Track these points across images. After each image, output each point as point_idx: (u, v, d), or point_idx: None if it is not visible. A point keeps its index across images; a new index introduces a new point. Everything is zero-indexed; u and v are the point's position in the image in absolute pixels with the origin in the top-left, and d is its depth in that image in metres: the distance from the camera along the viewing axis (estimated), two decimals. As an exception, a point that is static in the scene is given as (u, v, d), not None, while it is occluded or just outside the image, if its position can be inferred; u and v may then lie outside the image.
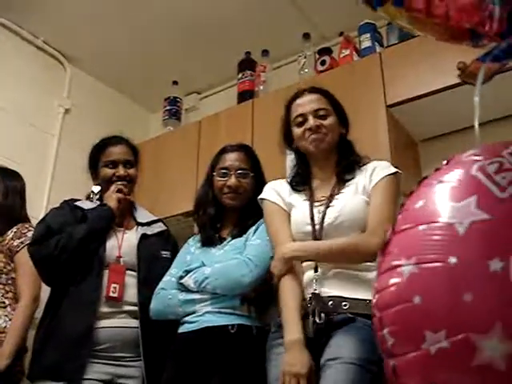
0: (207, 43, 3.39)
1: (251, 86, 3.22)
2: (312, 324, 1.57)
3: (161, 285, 1.97)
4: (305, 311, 1.61)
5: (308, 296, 1.65)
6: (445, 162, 1.10)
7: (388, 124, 2.53)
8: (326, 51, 3.00)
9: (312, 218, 1.72)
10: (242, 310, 1.84)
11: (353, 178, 1.77)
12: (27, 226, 2.45)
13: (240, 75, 3.28)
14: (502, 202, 0.95)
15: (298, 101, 1.85)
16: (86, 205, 2.17)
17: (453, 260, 0.91)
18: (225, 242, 1.99)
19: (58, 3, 3.14)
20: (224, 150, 2.10)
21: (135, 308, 2.01)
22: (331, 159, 1.84)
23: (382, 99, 2.58)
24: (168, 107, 3.56)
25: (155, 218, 2.30)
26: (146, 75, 3.67)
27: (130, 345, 1.97)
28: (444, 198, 0.99)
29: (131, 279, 2.05)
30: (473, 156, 1.04)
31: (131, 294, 2.03)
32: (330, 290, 1.63)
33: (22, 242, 2.37)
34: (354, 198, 1.71)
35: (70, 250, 1.98)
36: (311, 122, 1.79)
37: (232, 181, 2.02)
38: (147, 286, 2.01)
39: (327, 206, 1.72)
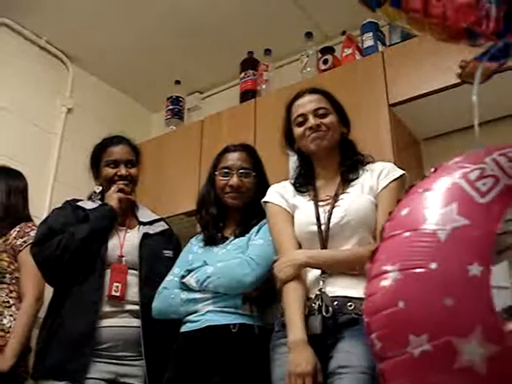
0: (209, 42, 3.39)
1: (253, 85, 3.22)
2: (320, 320, 1.57)
3: (163, 284, 1.97)
4: (309, 310, 1.61)
5: (313, 295, 1.65)
6: (432, 169, 1.12)
7: (390, 123, 2.53)
8: (329, 50, 3.00)
9: (318, 218, 1.72)
10: (243, 309, 1.84)
11: (357, 178, 1.78)
12: (30, 225, 2.46)
13: (242, 74, 3.28)
14: (482, 207, 0.97)
15: (298, 101, 1.86)
16: (88, 205, 2.18)
17: (434, 266, 0.93)
18: (227, 242, 1.99)
19: (61, 3, 3.14)
20: (226, 150, 2.11)
21: (137, 307, 2.01)
22: (334, 158, 1.84)
23: (385, 98, 2.58)
24: (170, 107, 3.57)
25: (157, 217, 2.30)
26: (148, 75, 3.67)
27: (132, 344, 1.97)
28: (427, 206, 1.02)
29: (133, 278, 2.05)
30: (457, 163, 1.07)
31: (133, 293, 2.03)
32: (335, 289, 1.63)
33: (25, 242, 2.37)
34: (361, 198, 1.72)
35: (71, 251, 1.99)
36: (311, 121, 1.80)
37: (234, 180, 2.02)
38: (149, 284, 2.02)
39: (333, 206, 1.72)
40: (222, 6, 3.14)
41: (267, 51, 3.25)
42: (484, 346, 0.86)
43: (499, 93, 2.07)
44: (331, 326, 1.57)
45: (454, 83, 2.28)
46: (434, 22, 1.04)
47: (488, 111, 2.51)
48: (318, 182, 1.83)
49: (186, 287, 1.90)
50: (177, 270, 1.99)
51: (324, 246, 1.69)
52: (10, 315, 2.29)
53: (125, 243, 2.11)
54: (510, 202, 0.98)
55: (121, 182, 2.19)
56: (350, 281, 1.62)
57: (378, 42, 2.82)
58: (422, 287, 0.94)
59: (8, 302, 2.32)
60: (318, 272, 1.67)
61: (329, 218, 1.70)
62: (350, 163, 1.82)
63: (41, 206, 3.06)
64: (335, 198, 1.75)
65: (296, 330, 1.57)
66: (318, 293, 1.64)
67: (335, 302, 1.60)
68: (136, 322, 1.99)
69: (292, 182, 1.88)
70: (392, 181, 1.71)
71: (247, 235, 1.96)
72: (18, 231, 2.41)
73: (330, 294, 1.62)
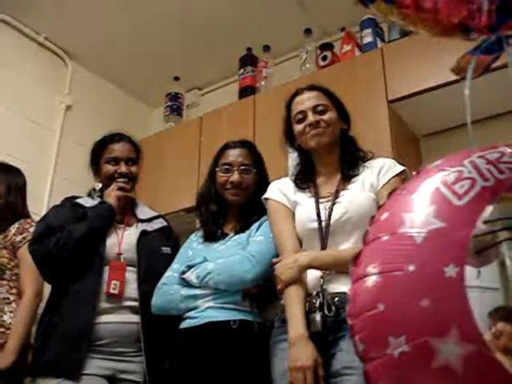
0: (208, 39, 3.39)
1: (252, 81, 3.22)
2: (321, 318, 1.58)
3: (163, 280, 1.97)
4: (309, 307, 1.62)
5: (314, 293, 1.65)
6: (414, 172, 1.15)
7: (389, 119, 2.53)
8: (328, 47, 3.00)
9: (318, 215, 1.72)
10: (243, 305, 1.84)
11: (358, 174, 1.78)
12: (29, 221, 2.46)
13: (241, 71, 3.28)
14: (458, 209, 0.99)
15: (297, 98, 1.87)
16: (87, 202, 2.17)
17: (411, 268, 0.95)
18: (227, 238, 1.99)
19: (60, 0, 3.13)
20: (227, 146, 2.10)
21: (136, 303, 2.01)
22: (334, 155, 1.84)
23: (384, 94, 2.58)
24: (169, 103, 3.57)
25: (156, 214, 2.30)
26: (147, 71, 3.67)
27: (131, 340, 1.97)
28: (406, 209, 1.04)
29: (132, 275, 2.05)
30: (437, 166, 1.10)
31: (132, 289, 2.03)
32: (337, 286, 1.63)
33: (24, 238, 2.37)
34: (361, 195, 1.72)
35: (69, 248, 1.98)
36: (311, 117, 1.80)
37: (235, 177, 2.02)
38: (147, 281, 2.02)
39: (333, 203, 1.73)
40: (220, 3, 3.14)
41: (266, 47, 3.25)
42: (460, 346, 0.88)
43: (500, 89, 2.07)
44: (332, 323, 1.58)
45: (454, 80, 2.27)
46: (425, 17, 1.04)
47: (488, 108, 2.51)
48: (319, 179, 1.84)
49: (186, 283, 1.90)
50: (176, 265, 1.99)
51: (324, 243, 1.69)
52: (11, 312, 2.29)
53: (123, 241, 2.10)
54: (487, 204, 0.99)
55: (121, 180, 2.18)
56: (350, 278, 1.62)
57: (377, 39, 2.82)
58: (401, 289, 0.96)
59: (8, 298, 2.32)
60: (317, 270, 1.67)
61: (329, 215, 1.71)
62: (350, 160, 1.82)
63: (39, 202, 3.06)
64: (336, 194, 1.75)
65: (297, 325, 1.58)
66: (319, 290, 1.64)
67: (336, 298, 1.61)
68: (135, 318, 1.99)
69: (292, 178, 1.88)
70: (392, 177, 1.72)
71: (247, 231, 1.96)
72: (18, 228, 2.41)
73: (331, 291, 1.62)
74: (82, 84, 3.59)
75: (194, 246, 2.04)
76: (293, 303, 1.63)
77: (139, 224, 2.20)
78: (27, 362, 2.21)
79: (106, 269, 2.02)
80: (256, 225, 1.96)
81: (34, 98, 3.31)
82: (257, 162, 2.08)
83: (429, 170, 1.12)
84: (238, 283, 1.83)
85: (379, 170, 1.75)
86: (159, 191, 3.13)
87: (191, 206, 2.41)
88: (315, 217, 1.72)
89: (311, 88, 1.88)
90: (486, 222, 0.99)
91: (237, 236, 1.97)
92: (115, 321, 1.98)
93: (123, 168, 2.20)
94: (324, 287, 1.63)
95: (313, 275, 1.69)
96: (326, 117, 1.81)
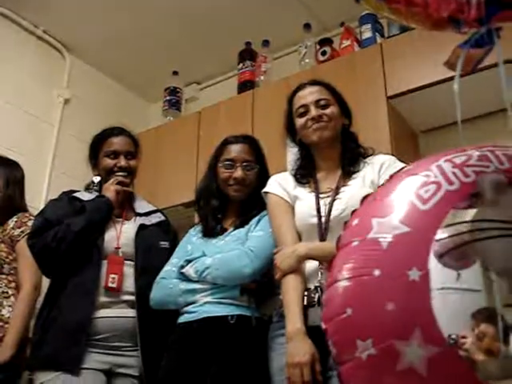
0: (207, 33, 3.38)
1: (251, 76, 3.22)
2: (320, 311, 1.58)
3: (161, 274, 1.97)
4: (308, 301, 1.62)
5: (312, 286, 1.65)
6: (388, 177, 1.17)
7: (388, 115, 2.53)
8: (327, 42, 3.00)
9: (318, 210, 1.72)
10: (241, 300, 1.84)
11: (358, 171, 1.78)
12: (27, 215, 2.46)
13: (240, 65, 3.28)
14: (422, 214, 1.00)
15: (300, 93, 1.87)
16: (85, 196, 2.17)
17: (377, 272, 0.97)
18: (226, 233, 1.99)
19: (58, -7, 3.13)
20: (228, 141, 2.09)
21: (133, 298, 2.01)
22: (335, 150, 1.84)
23: (383, 90, 2.58)
24: (168, 97, 3.56)
25: (154, 209, 2.30)
26: (146, 65, 3.66)
27: (129, 334, 1.97)
28: (374, 214, 1.06)
29: (130, 269, 2.05)
30: (408, 171, 1.12)
31: (129, 283, 2.03)
32: None
33: (22, 232, 2.37)
34: (362, 191, 1.71)
35: (67, 242, 1.98)
36: (313, 111, 1.80)
37: (238, 173, 2.01)
38: (145, 275, 2.02)
39: (334, 198, 1.73)
40: (220, -3, 3.13)
41: (265, 42, 3.24)
42: (424, 348, 0.90)
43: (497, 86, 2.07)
44: None
45: (453, 76, 2.26)
46: (415, 11, 1.04)
47: (486, 105, 2.51)
48: (319, 174, 1.84)
49: (184, 277, 1.90)
50: (175, 260, 1.99)
51: (323, 239, 1.69)
52: (9, 306, 2.29)
53: (121, 235, 2.10)
54: (451, 208, 1.00)
55: (120, 174, 2.18)
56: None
57: (377, 34, 2.82)
58: (367, 294, 0.98)
59: (7, 292, 2.32)
60: (316, 263, 1.68)
61: (329, 211, 1.70)
62: (351, 156, 1.82)
63: (38, 196, 3.06)
64: (336, 190, 1.75)
65: (294, 320, 1.58)
66: (318, 284, 1.64)
67: None
68: (132, 313, 1.99)
69: (292, 173, 1.88)
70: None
71: (246, 226, 1.96)
72: (16, 221, 2.41)
73: None
74: (80, 78, 3.58)
75: (193, 241, 2.04)
76: (291, 296, 1.63)
77: (137, 218, 2.20)
78: (25, 355, 2.21)
79: (105, 263, 2.02)
80: (255, 220, 1.96)
81: (32, 92, 3.31)
82: (258, 157, 2.08)
83: (400, 174, 1.13)
84: (236, 278, 1.83)
85: (380, 166, 1.75)
86: (158, 185, 3.13)
87: (190, 200, 2.41)
88: (315, 212, 1.72)
89: (313, 83, 1.89)
90: (449, 226, 0.99)
91: (236, 231, 1.97)
92: (113, 315, 1.98)
93: (122, 162, 2.20)
94: (322, 281, 1.63)
95: (311, 269, 1.69)
96: (328, 111, 1.81)
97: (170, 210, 2.87)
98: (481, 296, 0.93)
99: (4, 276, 2.35)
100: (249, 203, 2.01)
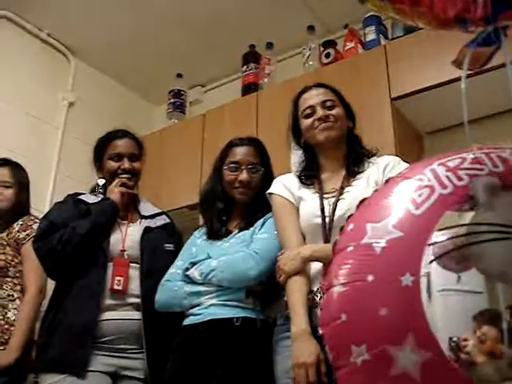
0: (211, 35, 3.39)
1: (255, 78, 3.22)
2: None
3: (166, 276, 1.97)
4: (312, 303, 1.62)
5: (316, 288, 1.65)
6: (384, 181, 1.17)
7: (393, 117, 2.53)
8: (331, 44, 3.00)
9: (322, 210, 1.73)
10: (246, 302, 1.84)
11: (363, 171, 1.78)
12: (32, 218, 2.47)
13: (244, 68, 3.28)
14: (415, 218, 1.00)
15: (306, 95, 1.88)
16: (90, 199, 2.17)
17: (371, 278, 0.97)
18: (231, 235, 1.99)
19: (63, -4, 3.14)
20: (234, 144, 2.09)
21: (138, 300, 2.01)
22: (340, 151, 1.85)
23: (387, 92, 2.58)
24: (172, 100, 3.57)
25: (159, 211, 2.30)
26: (150, 68, 3.67)
27: (134, 337, 1.97)
28: (369, 219, 1.06)
29: (135, 272, 2.05)
30: (403, 175, 1.12)
31: (135, 286, 2.03)
32: None
33: (28, 235, 2.38)
34: (366, 191, 1.71)
35: (73, 245, 1.98)
36: (320, 112, 1.82)
37: (244, 176, 2.01)
38: (150, 278, 2.02)
39: (338, 199, 1.73)
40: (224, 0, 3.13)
41: (269, 45, 3.25)
42: (416, 353, 0.90)
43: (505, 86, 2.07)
44: None
45: (458, 77, 2.25)
46: (421, 11, 1.04)
47: (494, 105, 2.51)
48: (323, 175, 1.84)
49: (189, 280, 1.91)
50: (180, 262, 1.99)
51: (327, 239, 1.69)
52: (15, 308, 2.30)
53: (127, 237, 2.10)
54: (444, 212, 0.99)
55: (124, 176, 2.18)
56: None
57: (381, 36, 2.82)
58: (361, 299, 0.98)
59: (12, 295, 2.33)
60: (320, 265, 1.67)
61: (333, 211, 1.71)
62: (355, 156, 1.83)
63: (42, 199, 3.07)
64: (340, 190, 1.75)
65: (299, 321, 1.58)
66: (319, 287, 1.64)
67: None
68: (137, 315, 1.99)
69: (297, 174, 1.88)
70: None
71: (251, 229, 1.96)
72: (21, 224, 2.42)
73: None
74: (84, 81, 3.59)
75: (197, 243, 2.04)
76: (296, 298, 1.63)
77: (142, 220, 2.20)
78: (31, 358, 2.22)
79: (110, 265, 2.02)
80: (260, 222, 1.96)
81: (37, 95, 3.32)
82: (263, 160, 2.08)
83: (395, 178, 1.13)
84: (241, 280, 1.83)
85: (384, 167, 1.75)
86: (162, 188, 3.13)
87: (194, 202, 2.41)
88: (319, 212, 1.73)
89: (318, 85, 1.90)
90: (442, 229, 0.98)
91: (241, 233, 1.97)
92: (118, 318, 1.98)
93: (126, 164, 2.20)
94: None
95: (314, 270, 1.69)
96: (334, 112, 1.83)
97: (175, 213, 2.88)
98: (482, 298, 0.93)
99: (9, 279, 2.35)
100: (253, 205, 2.01)
